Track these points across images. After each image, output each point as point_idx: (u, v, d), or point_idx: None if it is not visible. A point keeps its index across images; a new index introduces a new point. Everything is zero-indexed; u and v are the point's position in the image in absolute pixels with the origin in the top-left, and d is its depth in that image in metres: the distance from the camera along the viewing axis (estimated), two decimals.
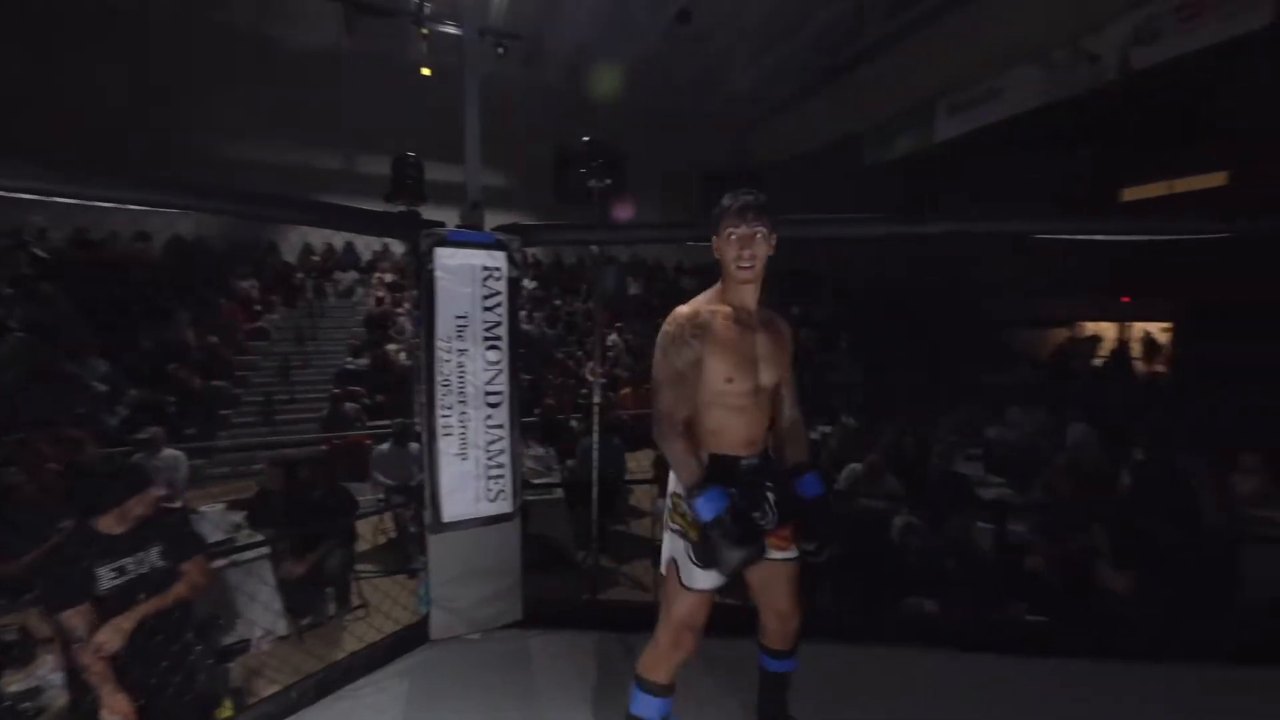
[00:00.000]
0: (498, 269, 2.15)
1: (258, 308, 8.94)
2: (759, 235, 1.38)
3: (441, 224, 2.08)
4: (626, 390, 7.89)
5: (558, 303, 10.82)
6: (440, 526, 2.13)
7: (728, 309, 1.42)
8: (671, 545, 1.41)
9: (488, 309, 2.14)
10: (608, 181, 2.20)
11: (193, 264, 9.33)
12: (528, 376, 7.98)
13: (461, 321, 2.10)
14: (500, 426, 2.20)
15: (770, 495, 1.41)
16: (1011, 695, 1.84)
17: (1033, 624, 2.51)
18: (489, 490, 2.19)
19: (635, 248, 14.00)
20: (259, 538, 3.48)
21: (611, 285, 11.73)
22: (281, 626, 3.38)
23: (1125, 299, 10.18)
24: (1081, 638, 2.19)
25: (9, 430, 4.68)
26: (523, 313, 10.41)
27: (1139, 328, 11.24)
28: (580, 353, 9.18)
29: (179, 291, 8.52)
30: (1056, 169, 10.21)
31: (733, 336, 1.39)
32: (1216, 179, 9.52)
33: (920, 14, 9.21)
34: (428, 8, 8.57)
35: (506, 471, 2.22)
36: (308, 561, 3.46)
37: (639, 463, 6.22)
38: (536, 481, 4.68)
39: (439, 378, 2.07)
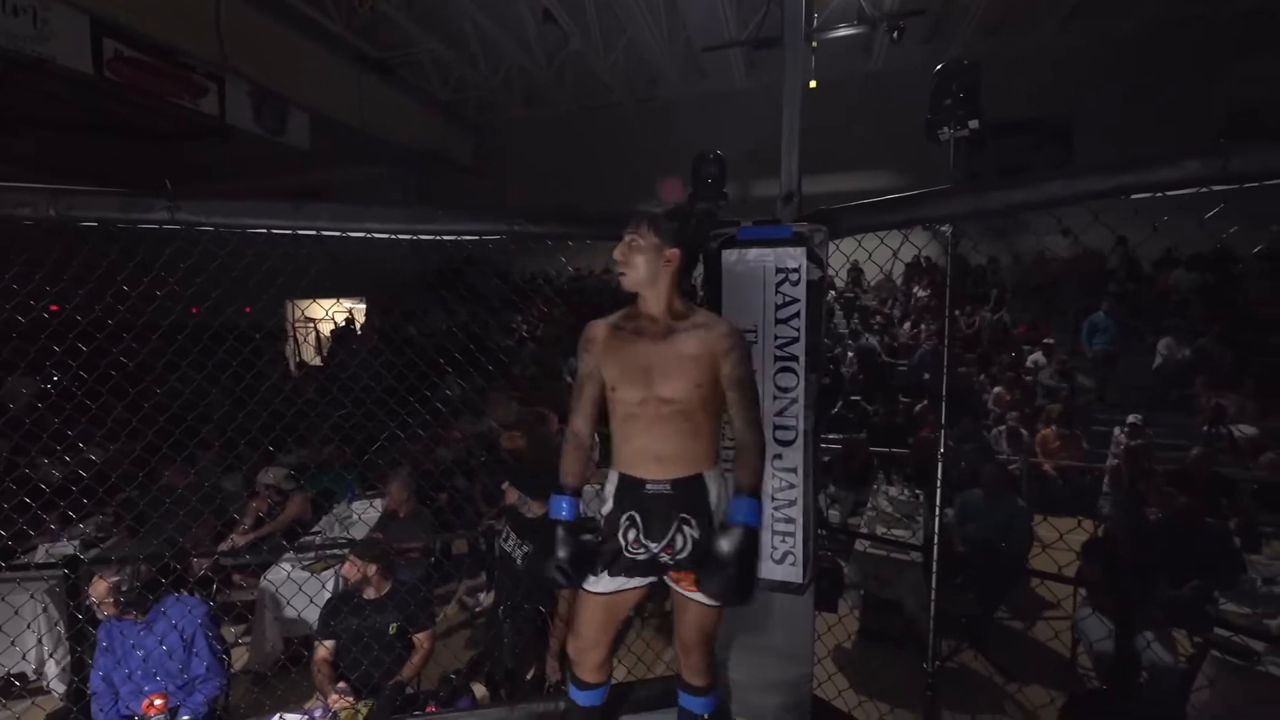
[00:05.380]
0: (795, 270, 1.68)
1: None
2: (632, 242, 1.38)
3: (735, 223, 1.77)
4: (1048, 430, 5.68)
5: (956, 313, 8.90)
6: None
7: (636, 317, 1.42)
8: None
9: (781, 321, 1.70)
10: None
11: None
12: (906, 400, 6.80)
13: (750, 337, 1.74)
14: (792, 470, 1.72)
15: (686, 529, 1.32)
16: None
17: None
18: (774, 549, 1.74)
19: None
20: None
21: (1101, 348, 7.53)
22: None
23: None
24: None
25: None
26: (906, 324, 9.12)
27: None
28: (982, 376, 7.24)
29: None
30: None
31: (621, 344, 1.40)
32: None
33: None
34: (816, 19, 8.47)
35: (797, 529, 1.72)
36: None
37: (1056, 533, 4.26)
38: (891, 534, 3.78)
39: None
